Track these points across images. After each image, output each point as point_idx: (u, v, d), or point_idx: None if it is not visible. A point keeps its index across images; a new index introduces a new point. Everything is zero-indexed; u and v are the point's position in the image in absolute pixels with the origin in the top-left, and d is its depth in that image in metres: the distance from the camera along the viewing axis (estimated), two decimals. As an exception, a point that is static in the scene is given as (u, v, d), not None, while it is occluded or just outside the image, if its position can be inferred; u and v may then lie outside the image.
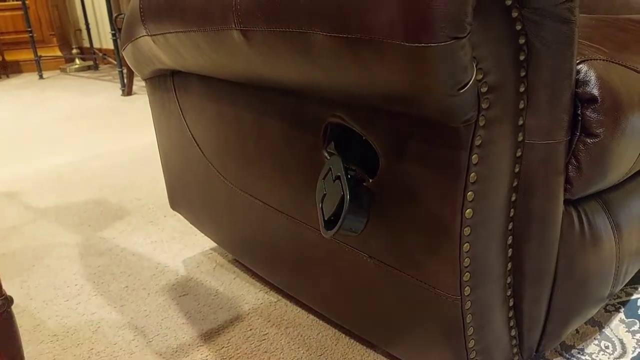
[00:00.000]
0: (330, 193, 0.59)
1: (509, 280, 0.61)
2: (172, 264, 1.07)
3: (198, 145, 0.89)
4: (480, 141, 0.50)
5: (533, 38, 0.50)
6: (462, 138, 0.50)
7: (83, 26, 4.17)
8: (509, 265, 0.60)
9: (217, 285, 0.98)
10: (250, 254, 0.91)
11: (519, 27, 0.50)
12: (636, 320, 0.81)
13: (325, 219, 0.59)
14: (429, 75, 0.43)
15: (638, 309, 0.83)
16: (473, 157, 0.51)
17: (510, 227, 0.58)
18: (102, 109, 2.66)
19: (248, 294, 0.95)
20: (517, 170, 0.55)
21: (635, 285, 0.90)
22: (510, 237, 0.58)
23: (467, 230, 0.53)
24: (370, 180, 0.61)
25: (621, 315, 0.82)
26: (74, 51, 4.09)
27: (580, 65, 0.56)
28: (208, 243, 1.15)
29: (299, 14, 0.51)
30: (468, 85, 0.45)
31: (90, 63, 4.06)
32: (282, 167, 0.73)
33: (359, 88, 0.52)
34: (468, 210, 0.52)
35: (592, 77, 0.56)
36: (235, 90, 0.76)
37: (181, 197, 1.04)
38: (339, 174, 0.58)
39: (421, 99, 0.47)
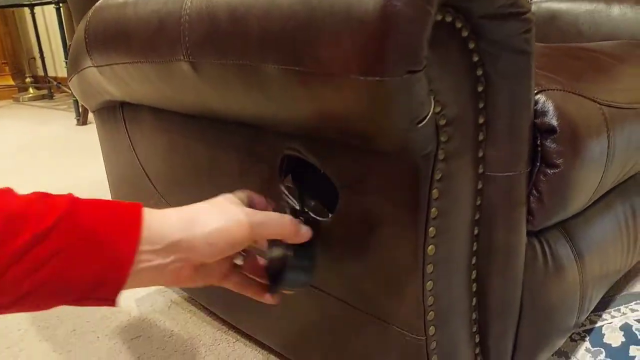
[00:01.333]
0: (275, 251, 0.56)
1: (474, 316, 0.58)
2: (125, 304, 1.02)
3: (149, 179, 0.85)
4: (440, 175, 0.48)
5: (490, 69, 0.49)
6: (421, 172, 0.48)
7: (37, 54, 4.07)
8: (474, 300, 0.58)
9: (172, 325, 0.93)
10: (205, 292, 0.86)
11: (475, 59, 0.49)
12: (602, 349, 0.80)
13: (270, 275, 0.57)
14: (385, 109, 0.41)
15: (603, 337, 0.82)
16: (433, 191, 0.49)
17: (473, 261, 0.56)
18: (57, 139, 2.57)
19: (205, 334, 0.90)
20: (478, 203, 0.54)
21: (599, 313, 0.89)
22: (474, 272, 0.57)
23: (429, 268, 0.51)
24: (330, 215, 0.58)
25: (587, 344, 0.81)
26: (28, 80, 3.97)
27: (538, 96, 0.56)
28: (164, 280, 1.10)
29: (250, 46, 0.48)
30: (426, 120, 0.43)
31: (45, 92, 3.95)
32: (238, 202, 0.69)
33: (314, 121, 0.50)
34: (430, 247, 0.50)
35: (550, 107, 0.55)
36: (187, 121, 0.73)
37: (133, 233, 0.99)
38: None
39: (378, 133, 0.45)
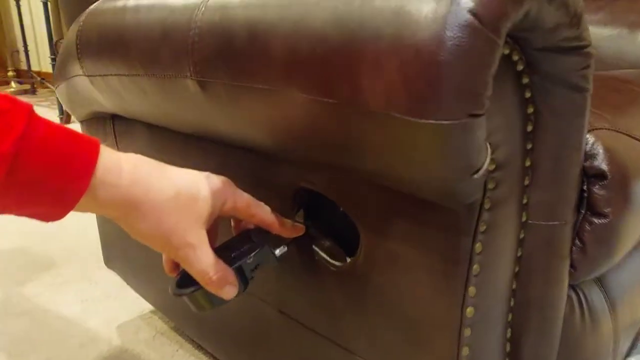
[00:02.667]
0: None
1: (505, 377, 0.52)
2: (105, 331, 0.94)
3: (140, 201, 0.77)
4: (484, 226, 0.42)
5: (542, 107, 0.43)
6: (464, 223, 0.42)
7: (21, 47, 3.93)
8: (506, 360, 0.52)
9: (157, 358, 0.85)
10: (194, 324, 0.79)
11: (528, 95, 0.43)
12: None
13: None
14: (435, 157, 0.35)
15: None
16: (476, 245, 0.42)
17: (509, 318, 0.50)
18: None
19: (193, 370, 0.83)
20: (519, 254, 0.48)
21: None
22: (509, 330, 0.50)
23: (467, 331, 0.45)
24: (348, 259, 0.52)
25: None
26: (10, 74, 3.84)
27: (587, 136, 0.50)
28: (148, 304, 1.02)
29: (272, 69, 0.42)
30: (482, 170, 0.37)
31: (27, 87, 3.82)
32: (240, 234, 0.62)
33: (343, 158, 0.44)
34: (469, 309, 0.44)
35: (599, 149, 0.49)
36: (187, 142, 0.66)
37: (117, 255, 0.92)
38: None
39: (420, 181, 0.38)
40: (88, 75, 0.67)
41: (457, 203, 0.40)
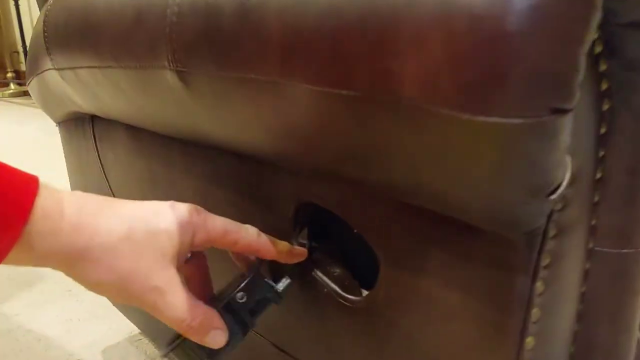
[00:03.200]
0: None
1: None
2: (89, 355, 0.84)
3: (122, 214, 0.68)
4: (548, 260, 0.32)
5: (620, 103, 0.33)
6: (522, 257, 0.31)
7: (20, 49, 3.86)
8: (563, 420, 0.41)
9: (145, 390, 0.76)
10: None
11: (604, 87, 0.32)
12: None
13: None
14: (496, 170, 0.25)
15: None
16: (537, 284, 0.32)
17: (568, 369, 0.40)
18: (31, 142, 2.38)
19: (185, 405, 0.73)
20: (583, 290, 0.38)
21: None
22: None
23: (521, 393, 0.34)
24: (364, 293, 0.42)
25: None
26: (9, 75, 3.77)
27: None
28: (138, 324, 0.92)
29: (269, 54, 0.32)
30: (560, 189, 0.26)
31: (27, 88, 3.74)
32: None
33: (361, 169, 0.34)
34: (526, 365, 0.34)
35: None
36: (171, 146, 0.56)
37: (102, 273, 0.82)
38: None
39: (470, 203, 0.28)
40: (58, 69, 0.57)
41: (515, 231, 0.30)
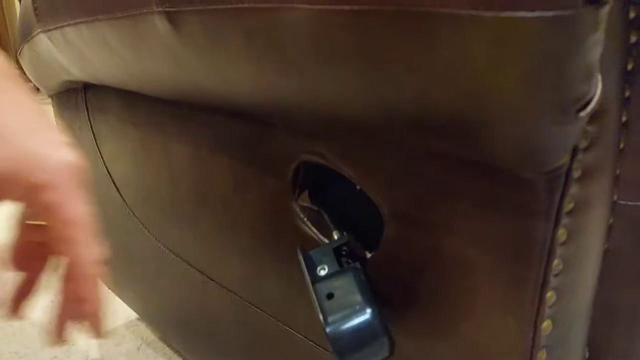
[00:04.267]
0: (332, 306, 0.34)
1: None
2: (83, 340, 0.81)
3: (116, 187, 0.65)
4: (571, 205, 0.29)
5: (650, 35, 0.30)
6: (543, 200, 0.28)
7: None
8: (584, 393, 0.38)
9: (140, 374, 0.73)
10: (182, 336, 0.66)
11: (632, 15, 0.29)
12: None
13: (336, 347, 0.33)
14: (526, 78, 0.22)
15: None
16: (559, 232, 0.29)
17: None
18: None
19: (181, 389, 0.70)
20: (606, 247, 0.35)
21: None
22: (587, 352, 0.37)
23: (541, 356, 0.31)
24: (369, 254, 0.39)
25: None
26: (12, 71, 3.76)
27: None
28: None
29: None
30: (591, 105, 0.23)
31: (31, 85, 3.73)
32: (230, 224, 0.50)
33: (363, 103, 0.31)
34: (546, 324, 0.30)
35: None
36: (165, 111, 0.53)
37: (96, 253, 0.79)
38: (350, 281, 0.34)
39: (494, 127, 0.25)
40: (45, 31, 0.54)
41: (537, 167, 0.27)
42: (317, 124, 0.38)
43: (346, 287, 0.34)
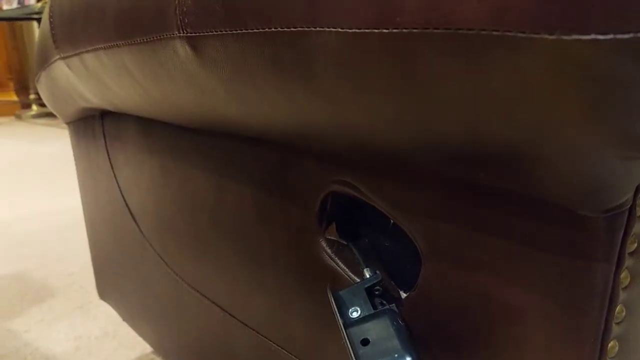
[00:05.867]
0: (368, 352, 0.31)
1: None
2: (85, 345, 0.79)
3: (132, 216, 0.63)
4: (635, 245, 0.26)
5: None
6: (603, 240, 0.26)
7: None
8: None
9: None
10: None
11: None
12: None
13: None
14: (590, 108, 0.19)
15: None
16: (622, 275, 0.26)
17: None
18: (53, 160, 2.38)
19: None
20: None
21: None
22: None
23: (602, 412, 0.28)
24: (404, 294, 0.36)
25: None
26: (32, 97, 3.82)
27: None
28: (151, 340, 0.87)
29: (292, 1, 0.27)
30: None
31: (49, 110, 3.78)
32: (253, 257, 0.47)
33: (402, 132, 0.28)
34: (608, 375, 0.27)
35: None
36: (183, 139, 0.51)
37: (111, 285, 0.77)
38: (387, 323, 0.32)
39: (549, 162, 0.23)
40: (64, 57, 0.53)
41: (597, 206, 0.24)
42: (348, 153, 0.36)
43: (382, 332, 0.31)
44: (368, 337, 0.31)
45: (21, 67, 4.00)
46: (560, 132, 0.21)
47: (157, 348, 0.72)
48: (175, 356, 0.67)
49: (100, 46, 0.45)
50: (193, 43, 0.35)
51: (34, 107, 3.77)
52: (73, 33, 0.49)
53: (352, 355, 0.30)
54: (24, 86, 3.97)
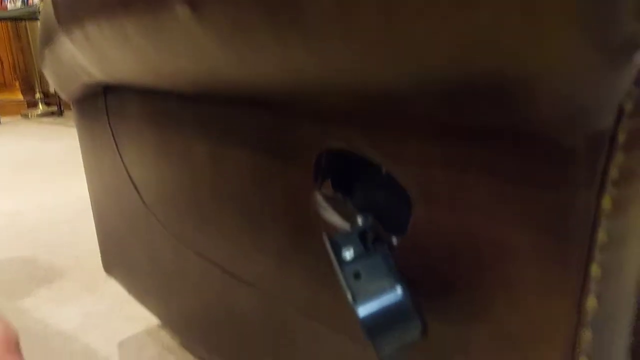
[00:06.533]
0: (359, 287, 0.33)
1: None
2: (105, 347, 0.80)
3: (136, 189, 0.64)
4: (617, 174, 0.27)
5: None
6: (585, 167, 0.27)
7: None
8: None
9: (163, 382, 0.72)
10: (206, 340, 0.65)
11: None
12: None
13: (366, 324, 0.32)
14: (576, 15, 0.20)
15: None
16: (604, 200, 0.27)
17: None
18: (59, 156, 2.40)
19: (204, 396, 0.68)
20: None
21: None
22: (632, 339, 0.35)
23: (586, 335, 0.29)
24: (395, 240, 0.37)
25: None
26: (38, 96, 3.84)
27: None
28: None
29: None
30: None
31: (55, 109, 3.81)
32: (252, 219, 0.48)
33: (398, 76, 0.29)
34: (591, 301, 0.28)
35: None
36: (185, 109, 0.53)
37: (117, 258, 0.79)
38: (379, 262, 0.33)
39: (539, 80, 0.23)
40: (66, 33, 0.55)
41: (581, 127, 0.25)
42: (342, 106, 0.37)
43: (374, 267, 0.32)
44: (360, 272, 0.32)
45: (26, 67, 4.03)
46: (540, 48, 0.22)
47: (163, 318, 0.74)
48: (180, 324, 0.69)
49: (101, 15, 0.47)
50: (194, 6, 0.36)
51: (40, 106, 3.80)
52: (75, 7, 0.51)
53: (346, 288, 0.31)
54: (29, 86, 4.00)
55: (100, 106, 0.67)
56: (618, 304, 0.30)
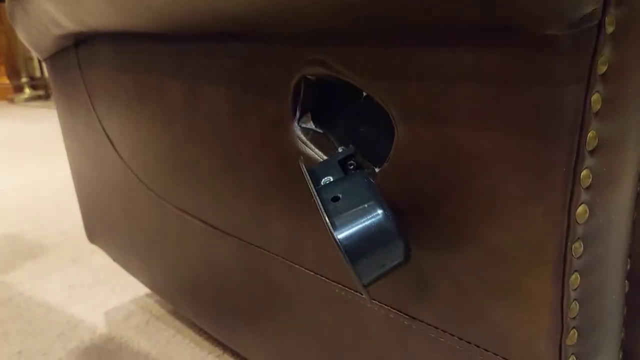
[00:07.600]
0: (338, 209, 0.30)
1: (622, 333, 0.35)
2: (90, 317, 0.79)
3: (112, 143, 0.62)
4: (605, 67, 0.25)
5: None
6: (570, 58, 0.25)
7: (35, 55, 3.88)
8: (625, 309, 0.34)
9: (149, 347, 0.70)
10: (191, 300, 0.63)
11: None
12: None
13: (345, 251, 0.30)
14: None
15: None
16: (593, 98, 0.25)
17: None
18: (45, 136, 2.37)
19: (190, 358, 0.67)
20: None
21: None
22: (629, 261, 0.33)
23: (577, 248, 0.27)
24: (377, 169, 0.35)
25: None
26: (24, 80, 3.79)
27: None
28: (144, 287, 0.87)
29: None
30: None
31: (41, 92, 3.76)
32: (230, 163, 0.46)
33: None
34: (581, 209, 0.27)
35: None
36: (157, 52, 0.50)
37: (99, 225, 0.76)
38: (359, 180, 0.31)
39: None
40: (31, -25, 0.52)
41: (564, 13, 0.23)
42: (315, 27, 0.34)
43: (353, 188, 0.30)
44: (338, 195, 0.30)
45: (11, 51, 3.96)
46: None
47: (149, 283, 0.72)
48: (166, 287, 0.67)
49: (62, -52, 0.44)
50: None
51: (26, 90, 3.75)
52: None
53: (323, 212, 0.30)
54: (15, 70, 3.93)
55: (73, 60, 0.64)
56: (611, 218, 0.29)
